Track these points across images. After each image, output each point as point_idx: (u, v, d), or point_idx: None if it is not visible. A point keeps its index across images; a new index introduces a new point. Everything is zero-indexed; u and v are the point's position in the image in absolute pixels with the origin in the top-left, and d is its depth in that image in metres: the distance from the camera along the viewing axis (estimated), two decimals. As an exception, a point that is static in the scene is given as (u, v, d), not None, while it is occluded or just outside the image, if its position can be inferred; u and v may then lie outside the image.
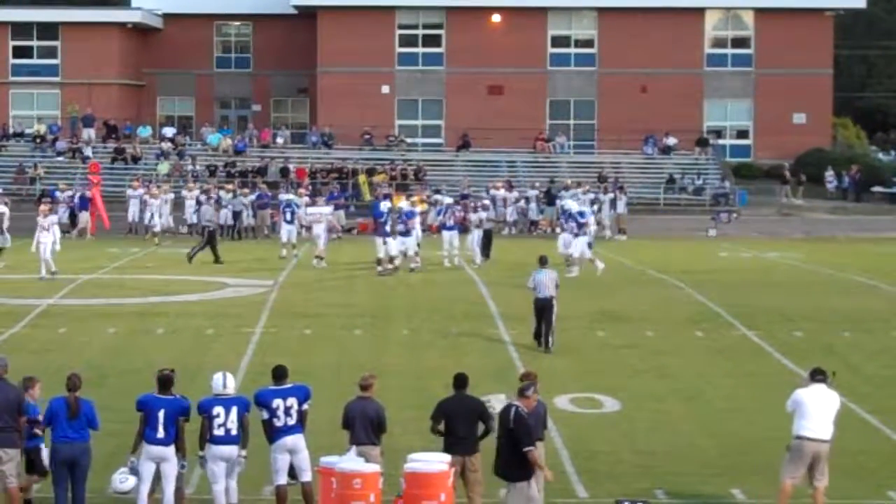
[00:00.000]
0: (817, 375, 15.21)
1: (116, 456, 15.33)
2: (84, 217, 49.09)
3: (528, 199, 52.46)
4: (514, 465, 14.10)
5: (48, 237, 35.11)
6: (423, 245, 38.67)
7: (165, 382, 14.69)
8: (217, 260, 38.63)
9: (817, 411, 14.94)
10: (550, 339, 25.09)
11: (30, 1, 76.36)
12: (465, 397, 15.03)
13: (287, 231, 40.66)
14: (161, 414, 14.47)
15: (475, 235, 39.39)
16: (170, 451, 14.51)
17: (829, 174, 63.83)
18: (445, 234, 38.65)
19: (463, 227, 40.32)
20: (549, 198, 51.65)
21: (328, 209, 42.82)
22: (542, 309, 25.06)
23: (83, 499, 14.80)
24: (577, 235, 36.52)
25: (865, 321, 28.76)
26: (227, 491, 14.75)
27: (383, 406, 15.19)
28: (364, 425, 14.84)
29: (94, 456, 14.86)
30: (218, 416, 14.59)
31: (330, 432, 17.71)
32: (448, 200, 40.45)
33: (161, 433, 14.47)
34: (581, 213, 37.19)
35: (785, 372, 23.32)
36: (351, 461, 14.51)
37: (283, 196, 44.90)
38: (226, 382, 14.80)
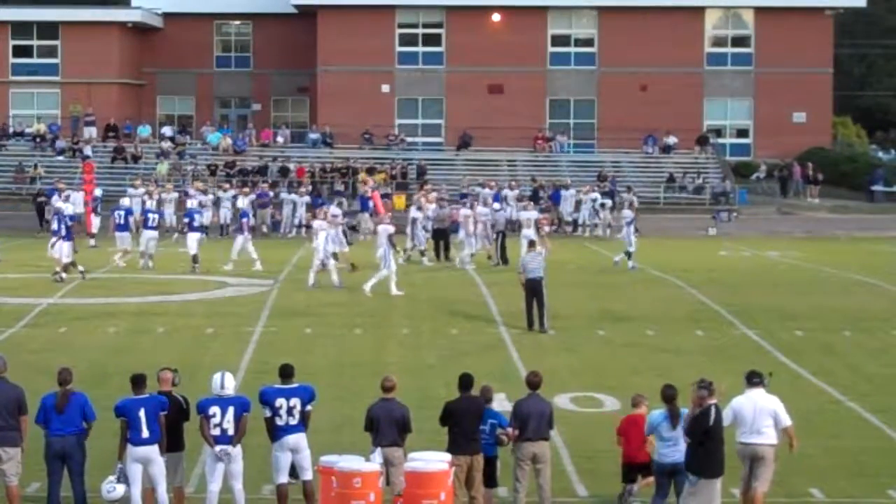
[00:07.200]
0: (753, 379, 15.18)
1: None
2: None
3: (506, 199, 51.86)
4: (716, 462, 14.46)
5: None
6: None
7: (138, 382, 14.72)
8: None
9: (752, 416, 14.93)
10: (545, 318, 26.67)
11: (30, 0, 76.32)
12: (470, 398, 15.07)
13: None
14: (142, 413, 14.49)
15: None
16: (155, 451, 14.51)
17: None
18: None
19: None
20: (535, 198, 51.42)
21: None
22: (534, 289, 26.64)
23: (82, 495, 14.82)
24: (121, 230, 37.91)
25: (866, 320, 28.74)
26: (234, 494, 14.77)
27: (408, 407, 15.19)
28: (390, 427, 14.84)
29: (96, 454, 14.85)
30: (214, 415, 14.57)
31: (330, 431, 17.73)
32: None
33: (145, 433, 14.48)
34: (129, 211, 38.13)
35: (785, 371, 23.32)
36: (352, 460, 14.51)
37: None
38: (224, 382, 14.75)
